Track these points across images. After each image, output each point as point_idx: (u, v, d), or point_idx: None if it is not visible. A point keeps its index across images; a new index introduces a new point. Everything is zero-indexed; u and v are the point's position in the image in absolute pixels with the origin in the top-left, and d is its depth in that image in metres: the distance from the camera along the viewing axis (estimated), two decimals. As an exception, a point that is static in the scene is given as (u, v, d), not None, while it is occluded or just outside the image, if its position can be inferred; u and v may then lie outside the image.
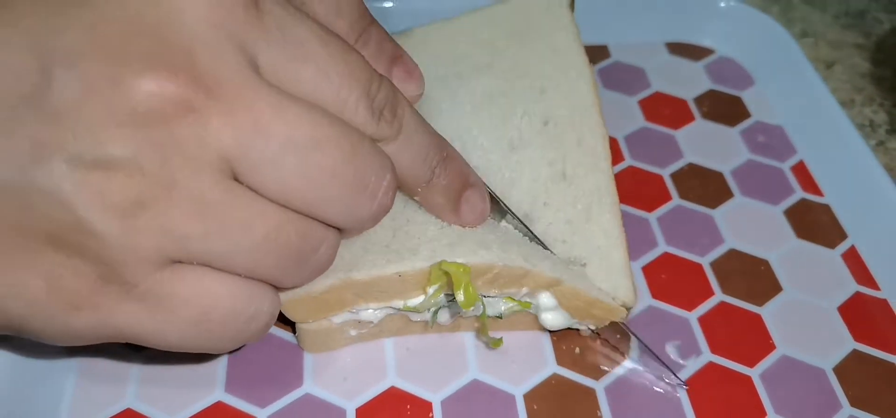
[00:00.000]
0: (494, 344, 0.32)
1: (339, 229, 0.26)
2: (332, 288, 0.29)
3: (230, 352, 0.32)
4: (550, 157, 0.34)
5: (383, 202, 0.25)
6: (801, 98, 0.44)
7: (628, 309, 0.31)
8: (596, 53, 0.48)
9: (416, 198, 0.30)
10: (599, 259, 0.31)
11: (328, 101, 0.23)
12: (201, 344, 0.25)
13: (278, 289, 0.26)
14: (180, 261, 0.23)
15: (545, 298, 0.30)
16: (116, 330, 0.23)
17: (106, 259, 0.22)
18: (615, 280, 0.30)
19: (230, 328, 0.25)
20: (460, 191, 0.30)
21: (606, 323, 0.31)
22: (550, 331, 0.33)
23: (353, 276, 0.29)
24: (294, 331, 0.32)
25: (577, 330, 0.33)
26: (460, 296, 0.28)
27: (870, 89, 0.48)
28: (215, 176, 0.22)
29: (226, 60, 0.21)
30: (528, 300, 0.31)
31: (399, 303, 0.31)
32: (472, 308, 0.29)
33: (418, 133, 0.27)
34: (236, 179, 0.22)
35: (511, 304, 0.31)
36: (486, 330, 0.31)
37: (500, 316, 0.32)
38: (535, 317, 0.33)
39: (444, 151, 0.29)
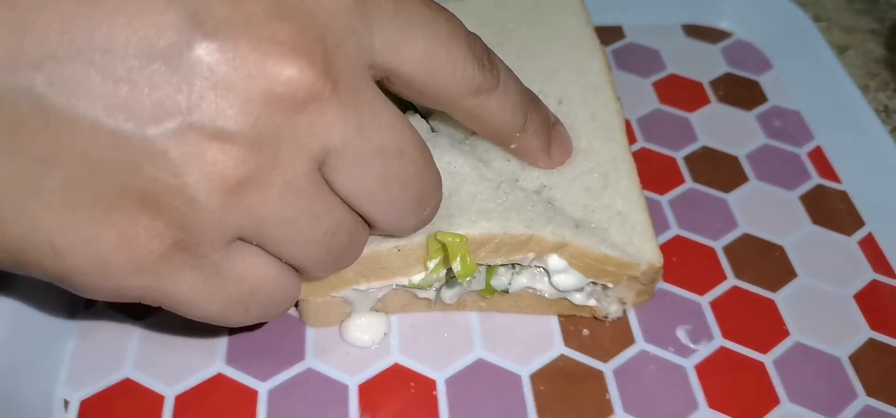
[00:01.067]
0: (489, 292, 0.31)
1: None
2: None
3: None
4: None
5: (428, 217, 0.27)
6: (819, 83, 0.43)
7: (656, 269, 0.30)
8: (610, 34, 0.47)
9: (512, 147, 0.30)
10: (620, 223, 0.30)
11: (440, 61, 0.25)
12: (233, 320, 0.25)
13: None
14: (243, 240, 0.23)
15: (554, 261, 0.30)
16: (164, 296, 0.23)
17: (191, 229, 0.21)
18: (638, 242, 0.30)
19: (264, 309, 0.25)
20: (549, 130, 0.31)
21: (624, 280, 0.30)
22: (563, 316, 0.32)
23: None
24: (296, 305, 0.32)
25: (593, 313, 0.32)
26: (457, 266, 0.28)
27: (884, 75, 0.47)
28: (310, 165, 0.22)
29: (348, 53, 0.22)
30: (537, 265, 0.30)
31: (402, 280, 0.30)
32: (470, 278, 0.28)
33: (512, 79, 0.28)
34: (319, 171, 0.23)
35: (518, 276, 0.31)
36: (490, 289, 0.31)
37: (506, 291, 0.31)
38: (542, 300, 0.32)
39: (531, 94, 0.30)
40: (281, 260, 0.24)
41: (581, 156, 0.32)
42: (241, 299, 0.24)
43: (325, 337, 0.31)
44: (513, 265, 0.31)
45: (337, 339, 0.31)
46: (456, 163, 0.31)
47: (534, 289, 0.31)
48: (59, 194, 0.20)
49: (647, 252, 0.30)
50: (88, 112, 0.19)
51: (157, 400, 0.29)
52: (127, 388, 0.29)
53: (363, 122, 0.22)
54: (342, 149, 0.22)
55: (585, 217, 0.30)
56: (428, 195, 0.26)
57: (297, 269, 0.25)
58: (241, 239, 0.23)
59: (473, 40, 0.26)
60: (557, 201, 0.31)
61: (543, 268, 0.31)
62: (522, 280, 0.31)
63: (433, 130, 0.33)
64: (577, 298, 0.31)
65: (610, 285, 0.31)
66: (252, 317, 0.25)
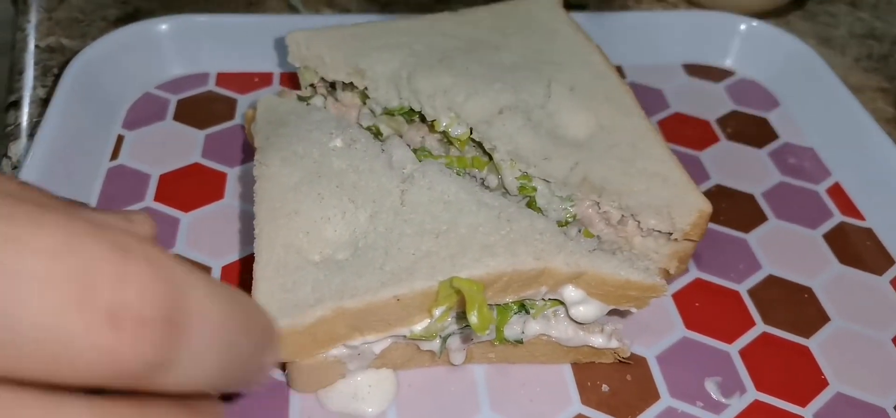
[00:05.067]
0: (500, 340, 0.28)
1: None
2: (322, 320, 0.25)
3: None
4: (584, 115, 0.34)
5: None
6: (831, 117, 0.41)
7: (706, 215, 0.29)
8: (609, 74, 0.45)
9: None
10: (661, 182, 0.30)
11: None
12: None
13: None
14: None
15: (570, 292, 0.27)
16: None
17: None
18: (684, 196, 0.30)
19: None
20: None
21: (648, 304, 0.28)
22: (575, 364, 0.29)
23: (344, 305, 0.25)
24: (284, 369, 0.28)
25: (616, 354, 0.29)
26: (474, 318, 0.25)
27: (895, 135, 0.45)
28: None
29: None
30: (553, 297, 0.27)
31: (403, 331, 0.27)
32: (486, 331, 0.25)
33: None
34: None
35: (531, 323, 0.28)
36: (501, 338, 0.28)
37: (520, 341, 0.28)
38: (558, 347, 0.29)
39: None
40: None
41: (605, 132, 0.32)
42: None
43: (312, 405, 0.28)
44: (525, 309, 0.28)
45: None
46: (450, 191, 0.28)
47: (549, 335, 0.28)
48: None
49: (693, 201, 0.29)
50: None
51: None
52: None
53: None
54: None
55: (626, 184, 0.30)
56: None
57: None
58: None
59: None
60: (595, 175, 0.30)
61: (560, 304, 0.27)
62: (535, 326, 0.28)
63: (426, 156, 0.31)
64: (598, 342, 0.28)
65: (632, 310, 0.28)
66: None
